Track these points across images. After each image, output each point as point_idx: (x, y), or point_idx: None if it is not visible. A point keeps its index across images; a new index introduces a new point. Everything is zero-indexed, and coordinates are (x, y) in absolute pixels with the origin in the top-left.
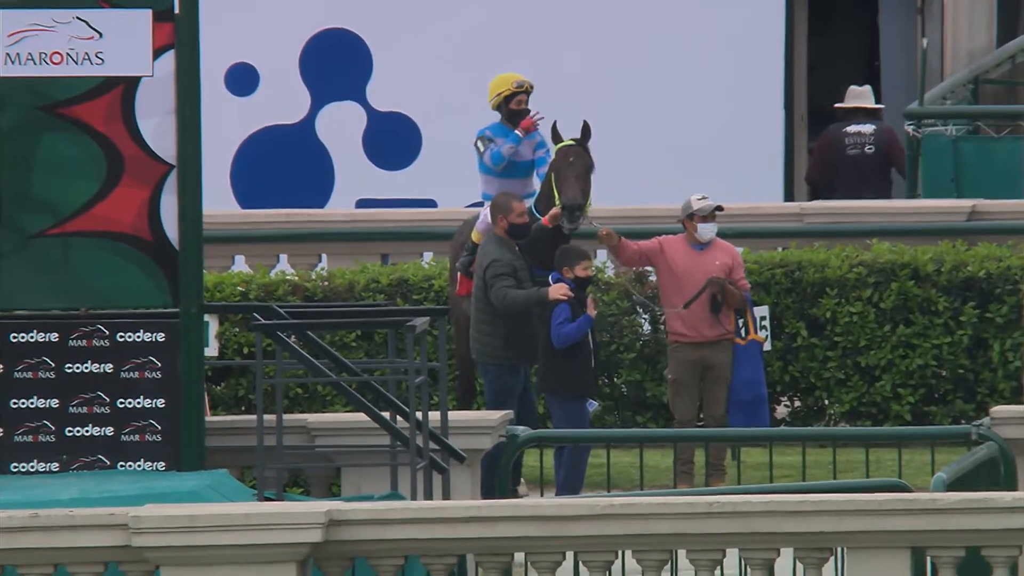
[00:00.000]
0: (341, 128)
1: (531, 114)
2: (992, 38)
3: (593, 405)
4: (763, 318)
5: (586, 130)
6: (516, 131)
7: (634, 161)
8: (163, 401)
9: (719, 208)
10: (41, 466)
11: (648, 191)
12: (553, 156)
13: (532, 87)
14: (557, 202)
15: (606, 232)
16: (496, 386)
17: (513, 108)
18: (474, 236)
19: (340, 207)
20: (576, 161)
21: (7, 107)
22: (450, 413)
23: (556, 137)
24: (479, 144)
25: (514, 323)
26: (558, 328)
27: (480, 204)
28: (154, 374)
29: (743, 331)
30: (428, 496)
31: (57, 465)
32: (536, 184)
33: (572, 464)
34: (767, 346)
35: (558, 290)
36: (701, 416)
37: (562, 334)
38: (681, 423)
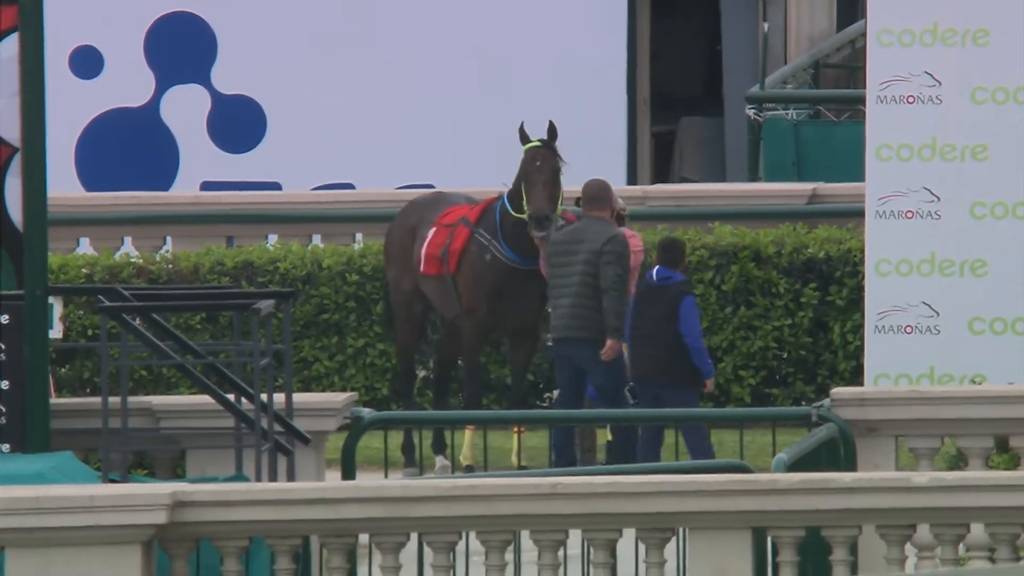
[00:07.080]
0: (186, 111)
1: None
2: (833, 23)
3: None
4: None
5: (552, 130)
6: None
7: (478, 145)
8: (7, 383)
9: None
10: None
11: (493, 175)
12: (522, 156)
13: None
14: (525, 207)
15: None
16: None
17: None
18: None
19: (185, 190)
20: (543, 165)
21: None
22: (295, 395)
23: (523, 138)
24: None
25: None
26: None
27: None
28: None
29: None
30: (273, 478)
31: None
32: None
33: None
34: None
35: None
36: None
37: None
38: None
